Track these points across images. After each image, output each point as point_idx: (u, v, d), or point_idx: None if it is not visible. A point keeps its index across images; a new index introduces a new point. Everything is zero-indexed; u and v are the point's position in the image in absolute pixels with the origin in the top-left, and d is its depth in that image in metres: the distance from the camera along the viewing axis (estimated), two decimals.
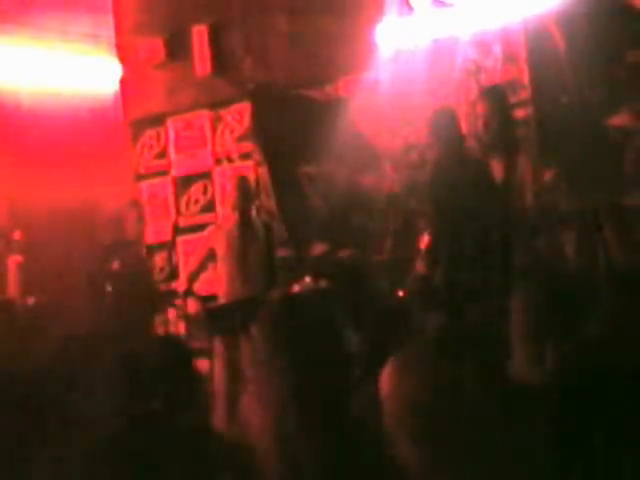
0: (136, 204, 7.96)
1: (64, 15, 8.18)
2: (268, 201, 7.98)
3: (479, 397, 2.21)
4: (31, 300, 7.46)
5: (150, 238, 8.43)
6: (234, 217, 6.95)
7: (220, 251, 6.93)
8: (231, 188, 7.13)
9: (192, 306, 7.23)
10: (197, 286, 7.19)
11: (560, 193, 5.97)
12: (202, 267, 7.13)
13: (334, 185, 7.54)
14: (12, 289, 7.54)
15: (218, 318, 6.80)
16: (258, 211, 7.34)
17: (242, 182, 7.11)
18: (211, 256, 7.02)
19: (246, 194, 7.02)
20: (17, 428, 2.54)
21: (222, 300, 6.92)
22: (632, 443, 2.43)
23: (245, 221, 6.94)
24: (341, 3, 7.66)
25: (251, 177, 7.94)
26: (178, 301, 7.34)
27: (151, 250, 8.39)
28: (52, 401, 2.63)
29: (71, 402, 2.68)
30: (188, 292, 7.10)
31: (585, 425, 2.49)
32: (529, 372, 3.45)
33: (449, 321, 5.34)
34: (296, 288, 7.05)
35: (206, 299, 7.30)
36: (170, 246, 7.60)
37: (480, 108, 5.83)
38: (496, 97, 5.93)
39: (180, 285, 7.22)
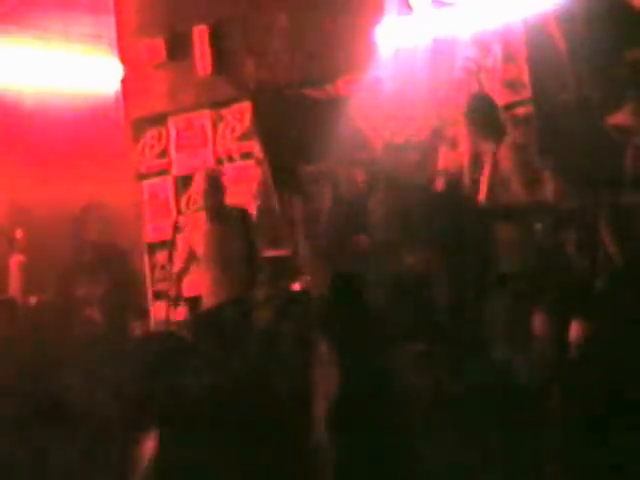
0: (97, 206, 7.78)
1: (66, 16, 8.21)
2: (269, 200, 8.00)
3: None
4: (33, 299, 7.49)
5: (151, 237, 8.47)
6: (205, 214, 6.70)
7: (199, 251, 6.68)
8: (199, 183, 6.81)
9: (180, 313, 7.03)
10: (185, 288, 6.92)
11: (560, 192, 5.99)
12: (185, 269, 6.80)
13: (335, 184, 7.57)
14: (14, 288, 7.58)
15: (205, 324, 6.50)
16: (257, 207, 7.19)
17: (211, 176, 6.84)
18: (192, 256, 6.73)
19: (215, 189, 6.72)
20: None
21: (205, 302, 6.65)
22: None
23: (217, 217, 6.66)
24: (341, 3, 7.68)
25: (252, 177, 8.01)
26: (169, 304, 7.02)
27: (152, 249, 8.43)
28: None
29: None
30: (177, 297, 6.83)
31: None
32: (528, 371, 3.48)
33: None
34: (296, 287, 7.08)
35: (194, 301, 7.08)
36: (170, 245, 7.58)
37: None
38: (476, 110, 5.96)
39: (170, 289, 6.92)
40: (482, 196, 5.67)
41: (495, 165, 5.67)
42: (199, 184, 6.79)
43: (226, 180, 7.02)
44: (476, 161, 6.11)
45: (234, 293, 6.49)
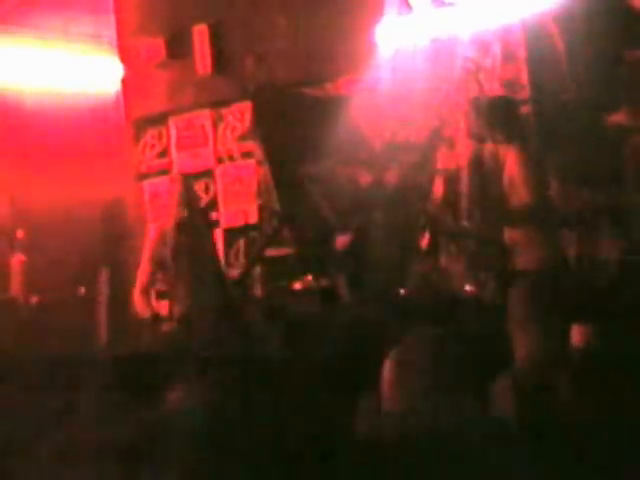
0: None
1: (66, 15, 8.22)
2: (270, 200, 8.03)
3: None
4: (34, 299, 7.52)
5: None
6: (175, 225, 6.36)
7: (168, 262, 6.27)
8: (173, 194, 6.47)
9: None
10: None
11: (559, 192, 6.01)
12: (152, 281, 6.38)
13: (335, 184, 7.59)
14: (15, 288, 7.59)
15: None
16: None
17: (186, 187, 6.57)
18: (158, 265, 6.32)
19: (190, 201, 6.47)
20: None
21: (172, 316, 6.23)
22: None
23: (183, 226, 6.32)
24: (341, 2, 7.70)
25: (253, 176, 8.04)
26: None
27: None
28: None
29: None
30: (155, 317, 6.26)
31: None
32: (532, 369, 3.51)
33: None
34: (297, 286, 7.11)
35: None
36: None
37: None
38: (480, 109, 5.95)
39: (140, 308, 6.33)
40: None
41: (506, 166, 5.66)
42: (173, 195, 6.46)
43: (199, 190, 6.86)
44: (477, 161, 6.14)
45: (194, 308, 6.22)
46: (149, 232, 6.61)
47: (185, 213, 6.36)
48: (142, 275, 6.34)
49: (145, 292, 6.30)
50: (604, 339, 4.02)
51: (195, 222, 6.50)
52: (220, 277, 6.60)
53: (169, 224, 6.38)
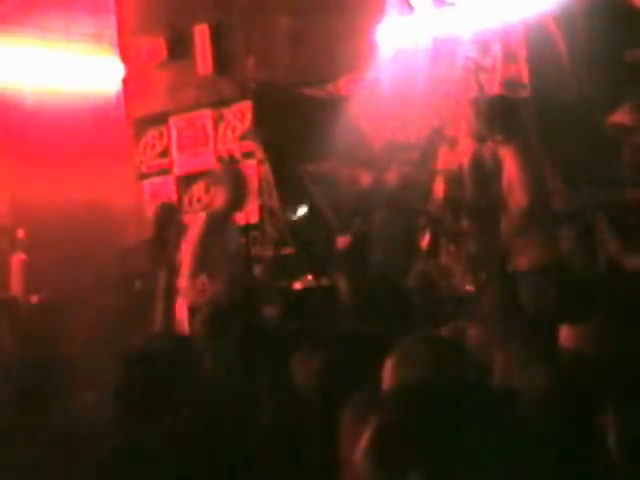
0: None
1: (67, 15, 8.23)
2: (270, 199, 8.03)
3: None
4: (35, 298, 7.52)
5: None
6: (213, 213, 6.19)
7: (207, 253, 6.03)
8: (224, 177, 6.25)
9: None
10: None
11: (559, 192, 6.01)
12: (198, 271, 6.09)
13: (335, 183, 7.59)
14: (16, 287, 7.60)
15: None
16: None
17: (232, 168, 6.42)
18: (202, 255, 6.07)
19: (237, 176, 6.23)
20: None
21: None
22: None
23: (223, 218, 6.13)
24: (342, 3, 7.70)
25: (253, 176, 8.03)
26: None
27: None
28: None
29: None
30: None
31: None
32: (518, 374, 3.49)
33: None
34: (298, 285, 7.11)
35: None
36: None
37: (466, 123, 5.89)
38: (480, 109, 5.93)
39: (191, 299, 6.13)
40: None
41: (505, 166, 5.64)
42: (222, 181, 6.17)
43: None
44: (477, 161, 6.13)
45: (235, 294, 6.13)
46: (190, 224, 6.44)
47: (237, 197, 6.09)
48: (187, 266, 6.11)
49: (192, 282, 6.06)
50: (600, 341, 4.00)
51: (239, 207, 6.24)
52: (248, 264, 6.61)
53: (210, 214, 6.20)
